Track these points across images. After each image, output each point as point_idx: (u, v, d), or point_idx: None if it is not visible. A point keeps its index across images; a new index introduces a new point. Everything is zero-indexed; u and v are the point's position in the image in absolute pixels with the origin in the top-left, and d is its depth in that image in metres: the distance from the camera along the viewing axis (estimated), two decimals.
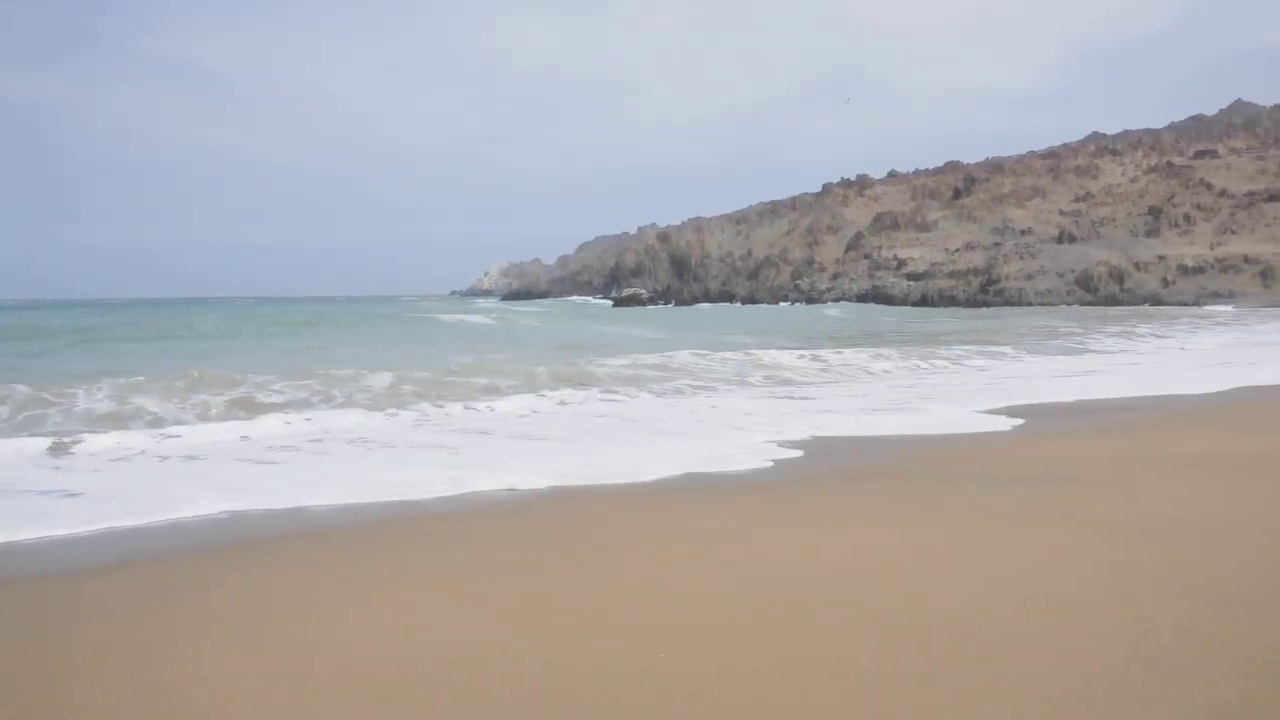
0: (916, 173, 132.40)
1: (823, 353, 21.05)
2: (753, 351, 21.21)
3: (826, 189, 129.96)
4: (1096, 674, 3.45)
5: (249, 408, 12.21)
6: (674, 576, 4.86)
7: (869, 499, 6.68)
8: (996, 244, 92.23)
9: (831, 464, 8.33)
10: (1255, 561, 4.81)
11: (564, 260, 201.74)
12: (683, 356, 19.39)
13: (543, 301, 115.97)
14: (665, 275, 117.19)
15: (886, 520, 5.99)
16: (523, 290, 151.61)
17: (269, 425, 10.68)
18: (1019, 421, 10.69)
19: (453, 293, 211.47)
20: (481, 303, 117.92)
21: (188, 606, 4.57)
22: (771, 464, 8.23)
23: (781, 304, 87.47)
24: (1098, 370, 18.37)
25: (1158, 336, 30.33)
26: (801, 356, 19.88)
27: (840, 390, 14.90)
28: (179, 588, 4.88)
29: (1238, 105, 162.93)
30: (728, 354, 20.24)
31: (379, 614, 4.37)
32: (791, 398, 13.88)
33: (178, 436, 10.00)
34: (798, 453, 8.78)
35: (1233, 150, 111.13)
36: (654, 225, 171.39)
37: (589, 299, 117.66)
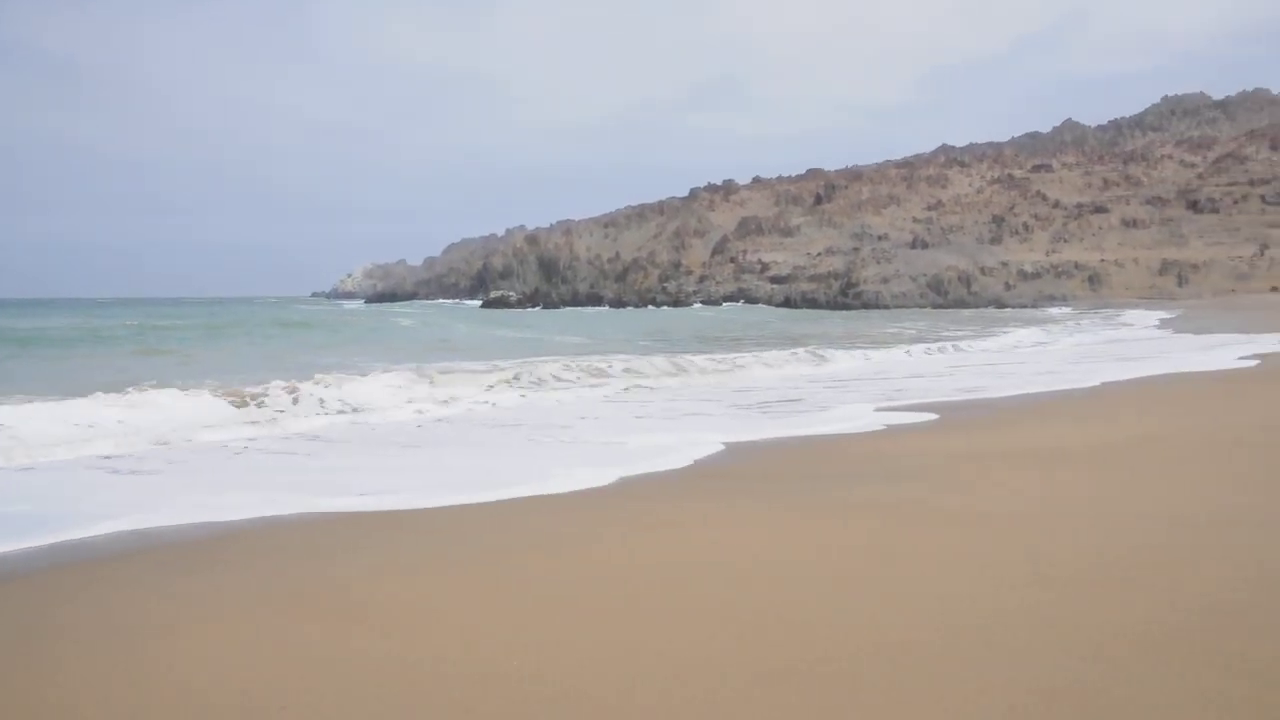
0: (780, 179, 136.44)
1: (707, 355, 21.15)
2: (627, 356, 21.11)
3: (693, 193, 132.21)
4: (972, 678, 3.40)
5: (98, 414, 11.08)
6: (570, 582, 4.59)
7: (767, 500, 6.60)
8: (855, 249, 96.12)
9: (732, 467, 8.23)
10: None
11: (430, 262, 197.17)
12: (568, 361, 19.05)
13: (410, 304, 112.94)
14: (534, 278, 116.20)
15: (780, 520, 5.94)
16: (388, 292, 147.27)
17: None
18: (927, 417, 10.91)
19: (314, 295, 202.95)
20: (347, 305, 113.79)
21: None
22: (680, 467, 8.03)
23: (649, 306, 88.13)
24: (966, 366, 19.20)
25: (1030, 334, 32.97)
26: (710, 359, 19.63)
27: (732, 386, 14.92)
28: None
29: (1068, 124, 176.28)
30: (624, 356, 20.06)
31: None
32: (678, 399, 13.80)
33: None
34: (708, 454, 8.59)
35: (1064, 165, 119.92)
36: (522, 227, 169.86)
37: (458, 301, 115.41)
